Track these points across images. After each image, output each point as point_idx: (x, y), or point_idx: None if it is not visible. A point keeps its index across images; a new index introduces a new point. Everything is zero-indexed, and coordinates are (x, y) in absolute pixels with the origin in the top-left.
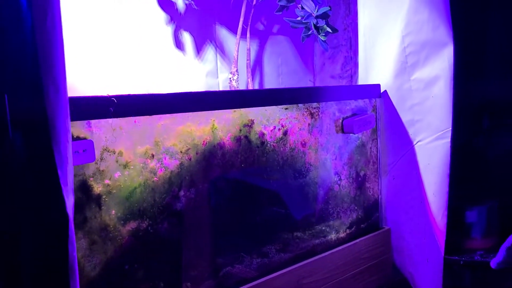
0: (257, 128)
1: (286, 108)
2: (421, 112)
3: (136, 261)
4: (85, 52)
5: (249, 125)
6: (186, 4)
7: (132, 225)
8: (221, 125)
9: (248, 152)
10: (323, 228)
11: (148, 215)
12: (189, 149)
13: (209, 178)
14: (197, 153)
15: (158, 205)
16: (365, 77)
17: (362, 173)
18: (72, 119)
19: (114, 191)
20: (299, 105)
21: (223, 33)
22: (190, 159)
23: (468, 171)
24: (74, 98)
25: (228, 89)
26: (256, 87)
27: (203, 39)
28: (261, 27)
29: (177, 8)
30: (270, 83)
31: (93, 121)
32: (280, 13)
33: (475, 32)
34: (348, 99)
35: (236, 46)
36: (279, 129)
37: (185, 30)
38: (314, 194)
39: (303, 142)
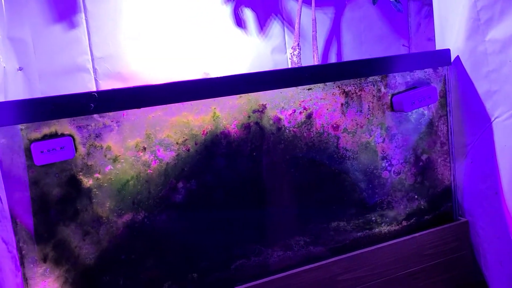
0: (271, 113)
1: (309, 89)
2: (498, 81)
3: (134, 251)
4: (145, 41)
5: (260, 110)
6: None
7: (127, 217)
8: (224, 113)
9: (260, 140)
10: (370, 218)
11: (144, 207)
12: (186, 139)
13: (214, 168)
14: (196, 143)
15: (154, 197)
16: (441, 41)
17: (424, 157)
18: (55, 117)
19: (105, 184)
20: (327, 83)
21: (290, 4)
22: (188, 150)
23: None
24: (55, 97)
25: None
26: (333, 59)
27: (267, 13)
28: None
29: None
30: (350, 53)
31: (77, 118)
32: None
33: None
34: (401, 71)
35: (297, 18)
36: (300, 112)
37: (246, 6)
38: (354, 182)
39: (334, 125)
